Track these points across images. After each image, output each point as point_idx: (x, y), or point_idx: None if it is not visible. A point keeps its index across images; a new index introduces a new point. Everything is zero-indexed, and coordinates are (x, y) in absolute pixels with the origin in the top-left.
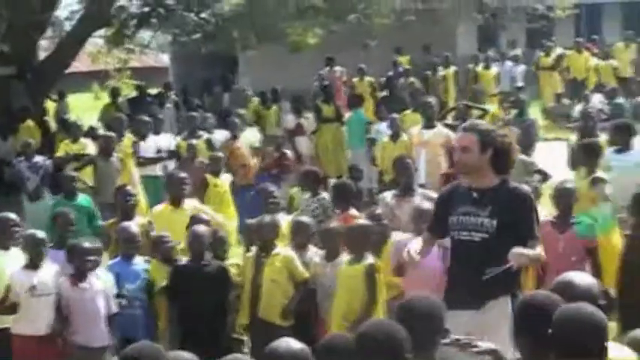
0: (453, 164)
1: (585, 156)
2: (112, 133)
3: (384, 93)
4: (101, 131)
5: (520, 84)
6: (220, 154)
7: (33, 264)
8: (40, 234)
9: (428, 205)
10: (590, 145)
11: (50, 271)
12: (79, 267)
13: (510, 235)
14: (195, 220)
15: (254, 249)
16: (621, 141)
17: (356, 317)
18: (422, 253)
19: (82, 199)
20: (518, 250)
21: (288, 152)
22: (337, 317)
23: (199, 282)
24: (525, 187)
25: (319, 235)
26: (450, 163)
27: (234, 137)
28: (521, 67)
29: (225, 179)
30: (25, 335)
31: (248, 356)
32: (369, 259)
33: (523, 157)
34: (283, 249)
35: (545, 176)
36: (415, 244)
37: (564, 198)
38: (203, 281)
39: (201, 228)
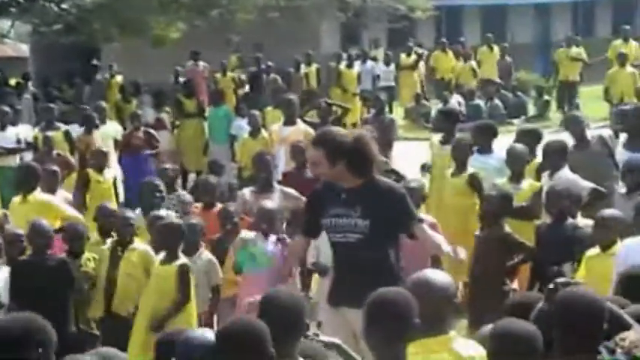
0: (301, 163)
1: (460, 152)
2: None
3: (247, 89)
4: None
5: (392, 83)
6: (104, 148)
7: None
8: None
9: (271, 205)
10: (464, 142)
11: None
12: None
13: (386, 231)
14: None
15: (109, 242)
16: (483, 142)
17: (161, 317)
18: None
19: None
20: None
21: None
22: (143, 317)
23: (40, 277)
24: (387, 180)
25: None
26: (295, 161)
27: (89, 131)
28: (392, 67)
29: (108, 174)
30: None
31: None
32: (182, 259)
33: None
34: (140, 244)
35: (398, 176)
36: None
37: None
38: (44, 276)
39: (41, 221)
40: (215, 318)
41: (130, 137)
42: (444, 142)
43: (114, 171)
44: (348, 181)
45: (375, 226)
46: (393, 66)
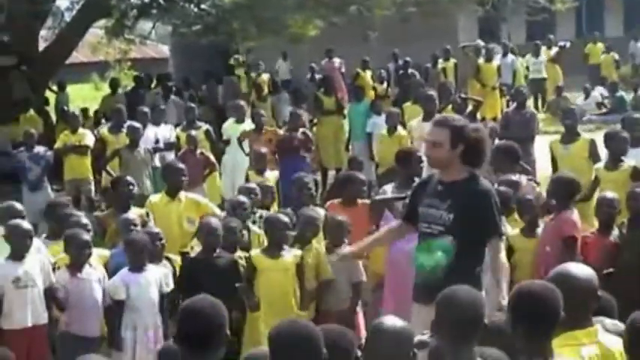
0: None
1: (617, 145)
2: (137, 124)
3: (384, 86)
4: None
5: (541, 75)
6: (264, 149)
7: (17, 255)
8: (26, 225)
9: None
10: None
11: (35, 262)
12: (77, 258)
13: (466, 230)
14: None
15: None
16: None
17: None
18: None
19: None
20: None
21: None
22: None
23: (210, 275)
24: (488, 184)
25: (325, 227)
26: None
27: (260, 129)
28: (541, 58)
29: (270, 176)
30: (12, 329)
31: None
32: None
33: None
34: (316, 244)
35: (524, 170)
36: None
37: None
38: (214, 274)
39: (211, 219)
40: (361, 315)
41: (290, 137)
42: (565, 142)
43: (275, 172)
44: (453, 171)
45: (457, 222)
46: (542, 57)
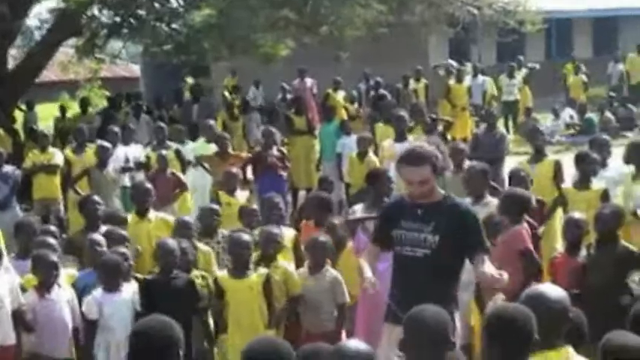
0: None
1: (587, 166)
2: (107, 144)
3: (355, 106)
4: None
5: (513, 97)
6: (235, 169)
7: None
8: None
9: None
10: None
11: (4, 283)
12: (45, 278)
13: (453, 250)
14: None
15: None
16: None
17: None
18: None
19: None
20: (487, 270)
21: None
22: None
23: (167, 295)
24: (466, 202)
25: (306, 248)
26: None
27: (223, 153)
28: (515, 80)
29: (240, 197)
30: None
31: None
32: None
33: None
34: (283, 262)
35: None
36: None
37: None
38: (171, 295)
39: (168, 240)
40: (344, 336)
41: (266, 155)
42: (532, 162)
43: (246, 192)
44: (432, 192)
45: (443, 243)
46: (517, 79)
